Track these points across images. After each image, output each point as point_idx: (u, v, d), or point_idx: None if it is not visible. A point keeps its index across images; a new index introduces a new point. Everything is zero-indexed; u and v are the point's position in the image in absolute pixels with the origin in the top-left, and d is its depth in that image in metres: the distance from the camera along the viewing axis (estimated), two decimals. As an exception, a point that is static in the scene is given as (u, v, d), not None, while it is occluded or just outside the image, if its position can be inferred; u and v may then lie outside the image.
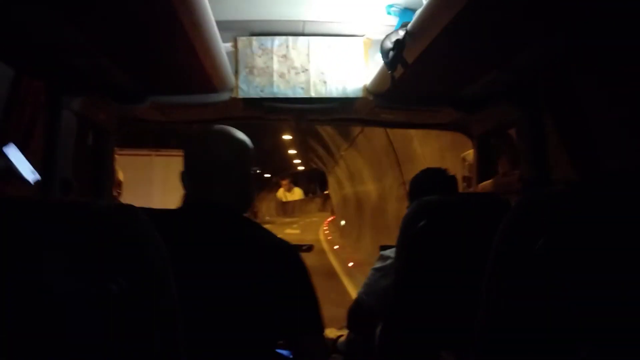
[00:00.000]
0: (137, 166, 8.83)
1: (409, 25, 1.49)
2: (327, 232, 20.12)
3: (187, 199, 1.40)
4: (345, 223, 16.71)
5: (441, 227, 1.39)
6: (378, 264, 1.81)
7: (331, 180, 20.98)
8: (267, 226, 1.43)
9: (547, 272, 0.70)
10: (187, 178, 1.40)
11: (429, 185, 1.90)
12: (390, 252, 1.75)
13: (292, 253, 1.35)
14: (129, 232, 0.67)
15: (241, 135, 1.43)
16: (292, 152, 26.55)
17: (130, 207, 0.70)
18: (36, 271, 0.60)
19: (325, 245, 14.82)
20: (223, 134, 1.41)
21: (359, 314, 1.84)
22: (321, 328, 1.34)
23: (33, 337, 0.59)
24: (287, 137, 18.34)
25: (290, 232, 16.76)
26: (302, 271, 1.33)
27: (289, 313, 1.27)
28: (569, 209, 0.73)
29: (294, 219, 23.87)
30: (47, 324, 0.59)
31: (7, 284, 0.59)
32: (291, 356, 2.39)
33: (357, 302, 1.82)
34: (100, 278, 0.60)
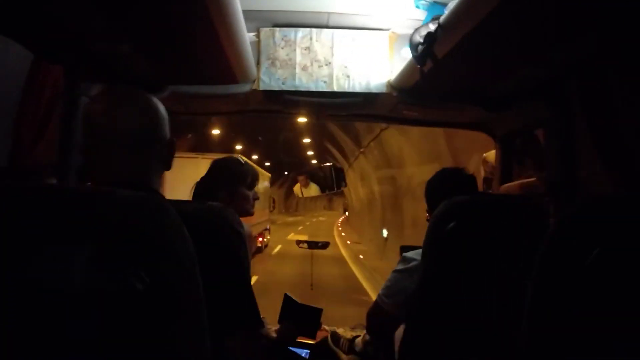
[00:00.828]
0: (186, 167, 9.13)
1: (442, 18, 1.44)
2: (344, 236, 18.01)
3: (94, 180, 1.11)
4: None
5: (472, 229, 1.33)
6: (400, 266, 1.74)
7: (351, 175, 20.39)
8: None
9: (600, 286, 0.65)
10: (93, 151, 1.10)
11: (448, 186, 1.81)
12: (414, 254, 1.69)
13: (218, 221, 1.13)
14: (155, 223, 0.62)
15: (139, 92, 1.17)
16: (310, 153, 26.77)
17: (157, 196, 0.66)
18: (52, 264, 0.56)
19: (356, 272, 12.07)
20: (113, 94, 1.14)
21: (378, 317, 1.78)
22: (255, 324, 1.12)
23: (48, 333, 0.55)
24: (306, 140, 17.75)
25: (295, 238, 13.48)
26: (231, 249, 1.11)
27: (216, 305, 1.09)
28: (626, 217, 0.67)
29: (298, 218, 23.00)
30: (63, 322, 0.54)
31: (22, 277, 0.55)
32: (308, 356, 2.36)
33: (377, 304, 1.75)
34: (123, 273, 0.55)
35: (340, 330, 2.43)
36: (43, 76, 1.67)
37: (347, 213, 31.86)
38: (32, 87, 1.63)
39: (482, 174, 3.03)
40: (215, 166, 2.09)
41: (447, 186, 1.82)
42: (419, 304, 1.42)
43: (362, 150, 16.17)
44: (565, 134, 1.89)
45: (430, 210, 1.84)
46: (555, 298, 0.69)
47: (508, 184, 2.45)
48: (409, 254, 1.73)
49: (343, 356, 2.18)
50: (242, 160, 2.04)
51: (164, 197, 1.10)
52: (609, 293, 0.65)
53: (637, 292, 0.65)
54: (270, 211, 18.97)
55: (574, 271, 0.67)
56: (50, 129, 1.76)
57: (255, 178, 2.04)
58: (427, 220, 1.85)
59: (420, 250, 1.49)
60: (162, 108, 1.17)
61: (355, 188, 21.06)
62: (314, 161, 29.40)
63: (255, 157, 27.08)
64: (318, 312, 2.26)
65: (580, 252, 0.66)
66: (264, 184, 17.63)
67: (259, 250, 15.58)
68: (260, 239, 15.65)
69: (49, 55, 1.65)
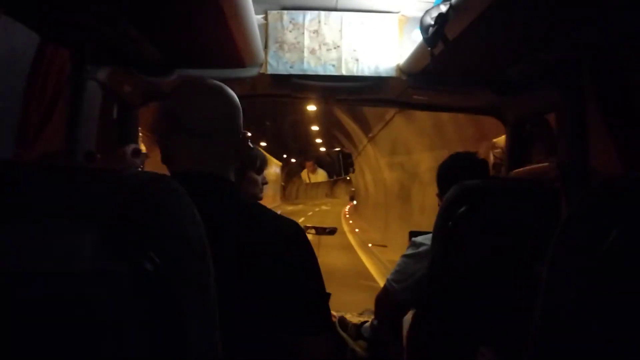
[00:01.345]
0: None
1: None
2: (358, 232, 16.70)
3: (174, 166, 1.15)
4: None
5: (483, 214, 1.32)
6: (409, 251, 1.73)
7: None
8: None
9: (620, 270, 0.63)
10: (174, 139, 1.13)
11: (459, 170, 1.80)
12: (424, 239, 1.68)
13: (299, 235, 1.13)
14: (164, 204, 0.60)
15: (221, 85, 1.20)
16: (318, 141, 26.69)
17: (166, 177, 0.64)
18: (59, 245, 0.55)
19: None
20: (216, 88, 1.17)
21: (387, 302, 1.77)
22: (327, 328, 1.13)
23: (53, 313, 0.54)
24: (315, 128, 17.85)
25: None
26: (310, 257, 1.12)
27: (289, 308, 1.04)
28: None
29: (298, 207, 21.85)
30: (73, 305, 0.53)
31: (27, 258, 0.54)
32: None
33: (386, 289, 1.74)
34: (133, 255, 0.54)
35: (348, 316, 2.43)
36: (49, 60, 1.66)
37: (354, 202, 30.49)
38: (38, 71, 1.62)
39: (492, 159, 3.00)
40: None
41: (458, 170, 1.80)
42: (429, 288, 1.41)
43: (370, 136, 16.01)
44: (578, 119, 1.86)
45: (441, 194, 1.82)
46: (570, 286, 0.67)
47: (517, 170, 2.43)
48: (419, 238, 1.72)
49: (351, 342, 2.17)
50: (250, 144, 2.03)
51: (232, 183, 1.15)
52: (629, 279, 0.63)
53: None
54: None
55: (590, 255, 0.65)
56: (56, 114, 1.75)
57: (264, 162, 2.03)
58: (439, 204, 1.83)
59: (429, 235, 1.48)
60: (237, 101, 1.20)
61: (373, 172, 20.33)
62: (323, 149, 29.42)
63: (263, 144, 27.45)
64: (327, 296, 2.25)
65: (597, 235, 0.65)
66: (275, 170, 18.35)
67: None
68: None
69: (56, 38, 1.63)
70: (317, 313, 1.10)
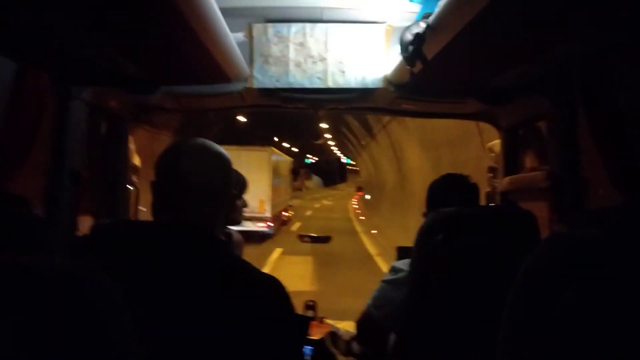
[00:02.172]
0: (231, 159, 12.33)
1: (431, 18, 1.38)
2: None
3: (163, 217, 1.16)
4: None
5: (460, 242, 1.30)
6: (389, 276, 1.71)
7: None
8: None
9: (574, 334, 0.61)
10: (159, 197, 1.17)
11: (449, 193, 1.78)
12: (403, 265, 1.66)
13: (278, 294, 1.07)
14: (83, 303, 0.56)
15: (222, 150, 1.24)
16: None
17: (88, 269, 0.60)
18: None
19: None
20: (201, 148, 1.20)
21: (368, 327, 1.76)
22: None
23: None
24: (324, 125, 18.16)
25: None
26: (288, 321, 1.06)
27: None
28: (603, 256, 0.63)
29: (296, 202, 20.76)
30: None
31: None
32: (310, 353, 2.35)
33: (366, 315, 1.73)
34: (43, 353, 0.51)
35: (343, 324, 2.43)
36: (30, 82, 1.65)
37: (367, 197, 27.10)
38: (18, 95, 1.61)
39: (488, 162, 2.97)
40: None
41: (447, 193, 1.78)
42: (407, 316, 1.39)
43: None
44: (568, 128, 1.83)
45: (428, 214, 1.81)
46: (527, 351, 0.65)
47: (512, 176, 2.40)
48: (398, 264, 1.70)
49: (342, 358, 2.17)
50: None
51: (219, 240, 1.14)
52: (584, 343, 0.61)
53: (610, 335, 0.61)
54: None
55: (544, 319, 0.63)
56: (41, 134, 1.74)
57: (243, 186, 2.01)
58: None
59: (408, 261, 1.46)
60: (231, 165, 1.27)
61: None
62: (331, 142, 29.38)
63: (275, 138, 27.60)
64: (306, 320, 2.24)
65: (549, 299, 0.63)
66: (286, 164, 19.24)
67: (284, 223, 17.45)
68: (285, 213, 17.88)
69: (34, 63, 1.62)
70: None
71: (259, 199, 13.77)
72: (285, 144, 30.69)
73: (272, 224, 14.60)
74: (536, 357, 0.63)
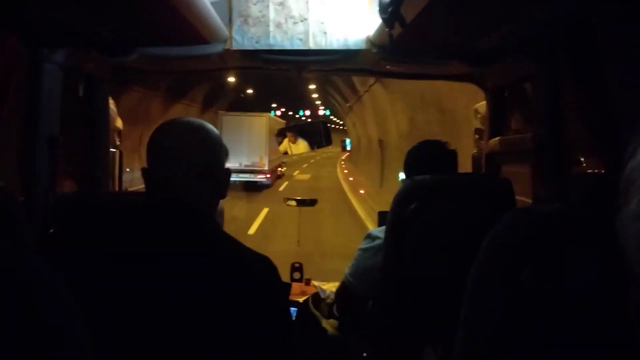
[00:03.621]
0: (234, 123, 16.42)
1: (410, -23, 1.33)
2: None
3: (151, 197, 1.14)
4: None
5: (434, 210, 1.28)
6: (365, 244, 1.70)
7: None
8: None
9: (532, 308, 0.60)
10: (150, 179, 1.13)
11: (427, 160, 1.74)
12: (379, 232, 1.65)
13: (269, 274, 1.02)
14: (18, 290, 0.53)
15: (212, 128, 1.20)
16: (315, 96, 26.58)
17: (23, 254, 0.57)
18: None
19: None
20: (194, 128, 1.17)
21: (346, 296, 1.76)
22: None
23: None
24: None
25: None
26: (278, 309, 1.01)
27: None
28: (563, 233, 0.62)
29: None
30: None
31: None
32: (294, 314, 2.38)
33: (344, 284, 1.72)
34: None
35: (327, 287, 2.44)
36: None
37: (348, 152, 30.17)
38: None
39: (474, 124, 2.95)
40: None
41: (425, 160, 1.75)
42: (383, 284, 1.39)
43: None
44: (552, 90, 1.81)
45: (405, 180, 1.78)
46: (487, 322, 0.65)
47: (497, 138, 2.39)
48: (374, 231, 1.69)
49: (323, 320, 2.19)
50: None
51: (210, 217, 1.11)
52: (541, 317, 0.61)
53: (566, 310, 0.60)
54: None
55: (505, 292, 0.63)
56: (12, 100, 1.69)
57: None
58: None
59: (384, 228, 1.45)
60: (220, 138, 1.22)
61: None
62: (319, 102, 29.24)
63: (274, 105, 28.04)
64: (286, 287, 2.25)
65: (510, 273, 0.62)
66: (281, 127, 21.33)
67: (279, 176, 20.97)
68: (280, 169, 21.25)
69: (2, 22, 1.56)
70: None
71: (259, 156, 16.99)
72: (273, 104, 30.72)
73: (269, 176, 17.76)
74: (496, 328, 0.63)
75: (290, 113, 36.85)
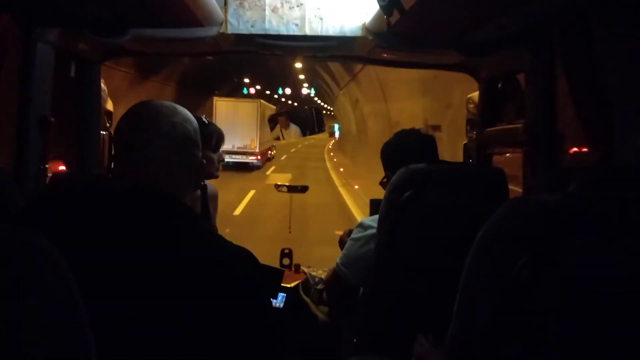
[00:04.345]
0: (228, 107, 18.31)
1: (409, -35, 1.33)
2: None
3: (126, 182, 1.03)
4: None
5: (428, 199, 1.29)
6: (357, 233, 1.69)
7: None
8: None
9: (527, 298, 0.61)
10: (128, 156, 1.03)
11: (406, 149, 1.70)
12: (371, 221, 1.64)
13: (248, 268, 0.93)
14: (20, 271, 0.53)
15: (186, 112, 1.09)
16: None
17: (25, 233, 0.57)
18: None
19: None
20: (170, 107, 1.06)
21: (337, 286, 1.75)
22: None
23: None
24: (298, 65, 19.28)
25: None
26: (260, 306, 0.93)
27: None
28: (558, 224, 0.62)
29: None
30: None
31: None
32: (284, 299, 2.38)
33: (335, 273, 1.72)
34: None
35: (316, 273, 2.45)
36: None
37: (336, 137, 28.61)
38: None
39: (466, 114, 2.96)
40: None
41: (402, 149, 1.71)
42: (375, 271, 1.40)
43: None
44: (546, 82, 1.82)
45: (387, 174, 1.75)
46: (481, 310, 0.66)
47: (489, 129, 2.40)
48: (366, 220, 1.69)
49: (313, 307, 2.20)
50: (205, 120, 1.94)
51: (184, 205, 0.99)
52: (535, 307, 0.62)
53: (560, 301, 0.62)
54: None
55: (500, 281, 0.64)
56: (4, 79, 1.67)
57: (220, 139, 1.95)
58: (380, 184, 1.77)
59: (377, 217, 1.45)
60: (194, 122, 1.10)
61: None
62: (305, 84, 28.61)
63: (246, 80, 27.26)
64: (279, 273, 2.24)
65: (507, 261, 0.63)
66: (272, 112, 24.13)
67: (269, 159, 21.78)
68: (270, 152, 22.35)
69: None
70: None
71: (250, 139, 18.47)
72: (257, 87, 29.62)
73: (260, 158, 19.07)
74: (490, 317, 0.64)
75: (268, 92, 32.90)
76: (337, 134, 27.60)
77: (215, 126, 1.92)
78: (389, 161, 1.73)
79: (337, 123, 26.19)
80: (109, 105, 2.81)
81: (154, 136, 1.01)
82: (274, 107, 24.38)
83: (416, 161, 1.41)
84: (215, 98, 19.48)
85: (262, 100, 21.04)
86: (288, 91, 31.23)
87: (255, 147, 18.75)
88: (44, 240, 0.56)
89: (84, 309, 0.58)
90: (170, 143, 1.02)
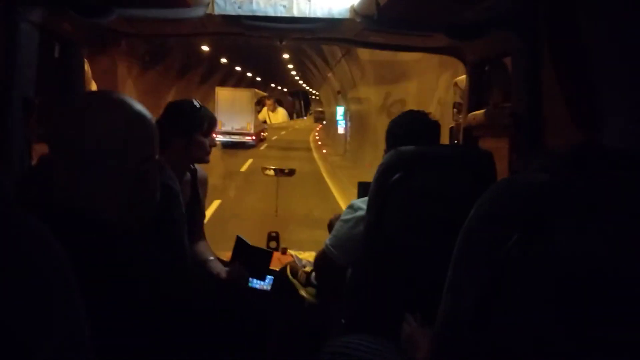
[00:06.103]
0: (227, 95, 22.19)
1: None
2: None
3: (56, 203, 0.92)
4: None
5: (418, 181, 1.30)
6: (347, 215, 1.71)
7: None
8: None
9: (517, 276, 0.62)
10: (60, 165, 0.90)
11: (409, 131, 1.75)
12: (361, 203, 1.66)
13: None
14: (12, 252, 0.52)
15: (140, 108, 0.96)
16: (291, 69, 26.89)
17: (18, 213, 0.56)
18: None
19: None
20: (110, 104, 0.92)
21: (326, 265, 1.77)
22: None
23: None
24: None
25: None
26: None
27: None
28: (548, 204, 0.63)
29: (239, 150, 19.82)
30: None
31: None
32: (271, 282, 2.39)
33: (324, 254, 1.73)
34: None
35: (303, 256, 2.46)
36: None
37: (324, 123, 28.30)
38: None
39: (454, 98, 2.97)
40: (168, 111, 1.98)
41: (407, 131, 1.74)
42: (363, 252, 1.41)
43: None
44: (532, 65, 1.82)
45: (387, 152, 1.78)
46: (470, 288, 0.67)
47: (475, 112, 2.41)
48: (356, 202, 1.70)
49: (301, 288, 2.21)
50: (197, 104, 1.91)
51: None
52: (525, 285, 0.63)
53: (549, 284, 0.63)
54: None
55: (491, 258, 0.64)
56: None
57: (212, 123, 1.93)
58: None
59: (367, 199, 1.47)
60: (148, 120, 1.00)
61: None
62: (294, 72, 28.88)
63: (238, 68, 28.15)
64: (268, 255, 2.25)
65: (498, 238, 0.63)
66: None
67: (262, 140, 25.18)
68: (263, 133, 25.82)
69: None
70: None
71: (246, 122, 22.03)
72: (249, 74, 30.13)
73: (254, 138, 22.63)
74: (479, 295, 0.65)
75: (259, 79, 35.70)
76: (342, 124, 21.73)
77: (208, 110, 1.91)
78: (392, 139, 1.75)
79: (341, 105, 21.83)
80: (93, 87, 2.77)
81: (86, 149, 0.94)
82: (265, 94, 26.79)
83: (418, 143, 1.43)
84: (217, 88, 23.07)
85: (256, 90, 24.98)
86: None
87: (251, 129, 22.24)
88: (36, 221, 0.56)
89: (78, 290, 0.58)
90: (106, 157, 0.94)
